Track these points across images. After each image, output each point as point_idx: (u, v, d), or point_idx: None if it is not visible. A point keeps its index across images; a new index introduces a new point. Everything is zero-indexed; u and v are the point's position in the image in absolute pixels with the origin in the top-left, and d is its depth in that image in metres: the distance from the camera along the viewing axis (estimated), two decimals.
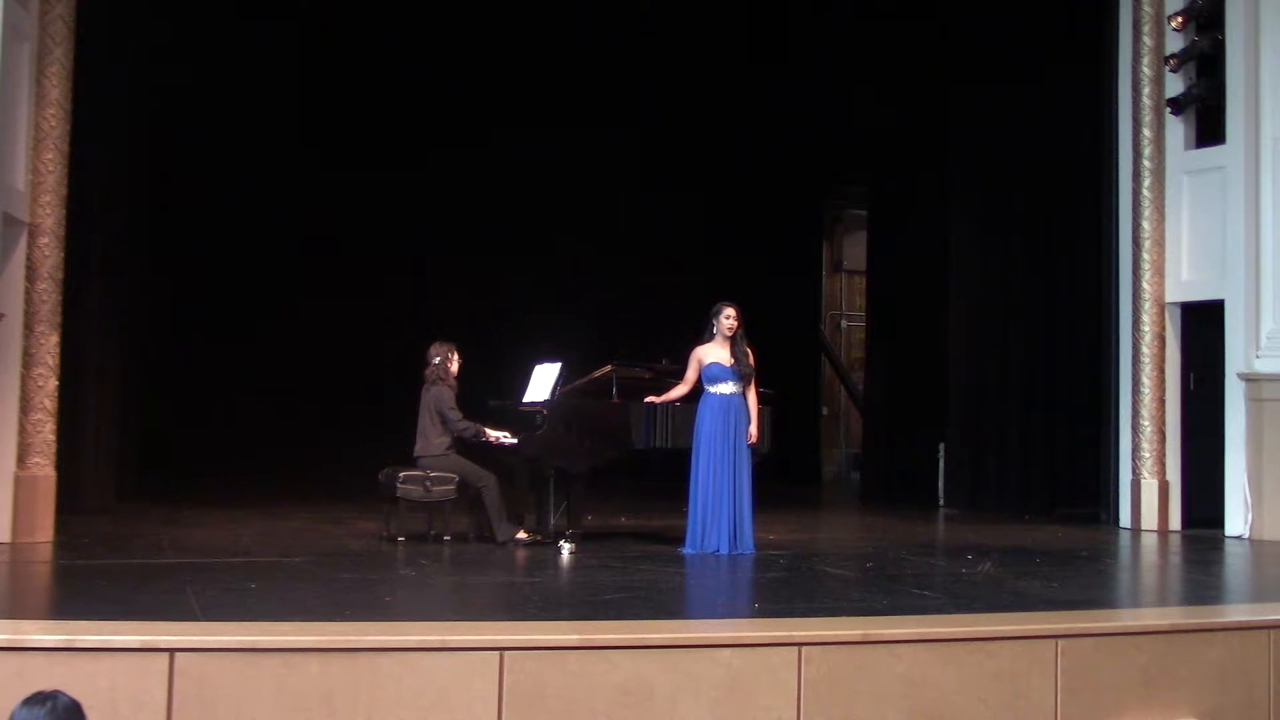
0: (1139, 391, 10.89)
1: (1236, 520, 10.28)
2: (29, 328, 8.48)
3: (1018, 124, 12.58)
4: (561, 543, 8.52)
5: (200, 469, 13.02)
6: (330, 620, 5.63)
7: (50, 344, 8.56)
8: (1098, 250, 11.69)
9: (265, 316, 14.17)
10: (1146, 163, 10.94)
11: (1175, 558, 9.52)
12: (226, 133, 13.84)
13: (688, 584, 7.66)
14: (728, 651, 5.26)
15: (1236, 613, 6.85)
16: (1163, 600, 7.93)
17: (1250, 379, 10.26)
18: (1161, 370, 10.88)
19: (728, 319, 8.69)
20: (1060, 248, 12.59)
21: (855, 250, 17.75)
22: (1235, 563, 9.16)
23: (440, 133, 14.63)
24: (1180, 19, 10.79)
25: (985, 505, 12.55)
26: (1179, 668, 5.77)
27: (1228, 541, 10.08)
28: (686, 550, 8.56)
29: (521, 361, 9.69)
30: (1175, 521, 10.78)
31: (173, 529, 9.22)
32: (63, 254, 8.70)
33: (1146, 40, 10.96)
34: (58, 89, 8.61)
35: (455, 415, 8.90)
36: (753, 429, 8.69)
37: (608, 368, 8.89)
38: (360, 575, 7.26)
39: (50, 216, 8.59)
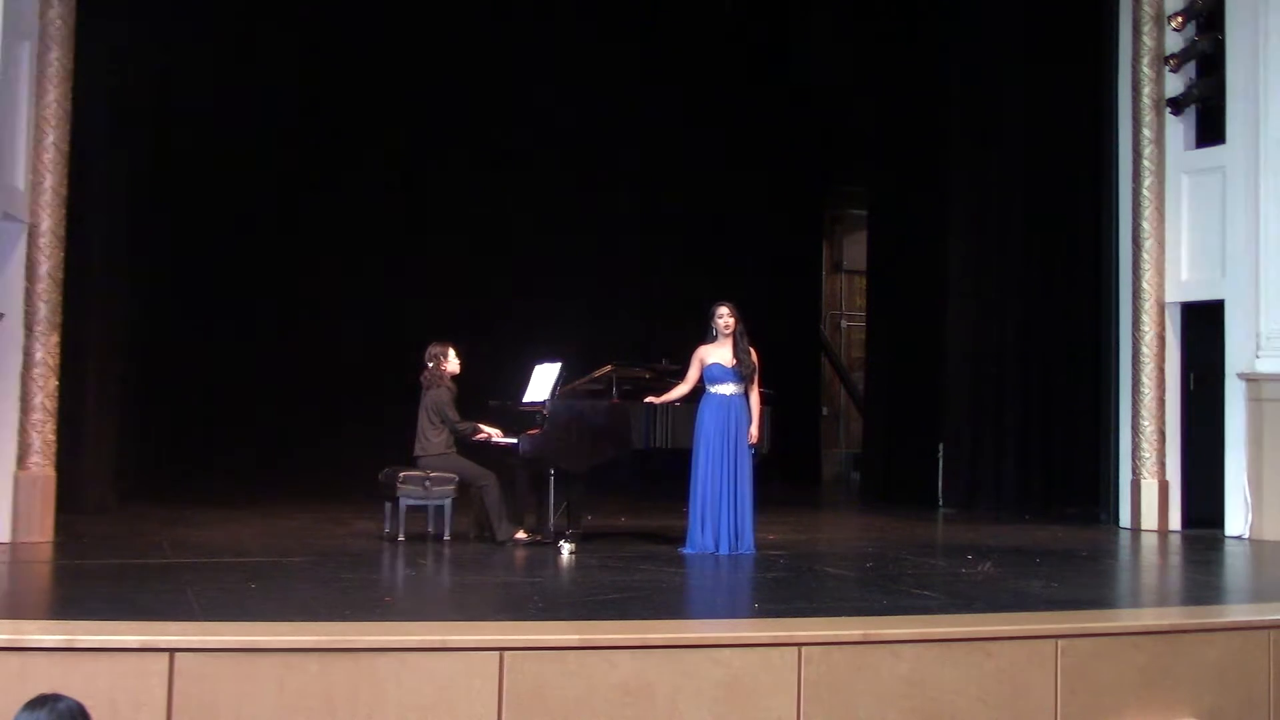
0: (1139, 391, 10.89)
1: (1236, 520, 10.28)
2: (29, 328, 8.48)
3: (1018, 124, 12.58)
4: (561, 543, 8.52)
5: (200, 469, 13.02)
6: (330, 620, 5.63)
7: (50, 344, 8.56)
8: (1098, 250, 11.70)
9: (265, 316, 14.16)
10: (1146, 163, 10.94)
11: (1175, 558, 9.52)
12: (227, 132, 13.81)
13: (688, 584, 7.66)
14: (728, 651, 5.26)
15: (1236, 613, 6.85)
16: (1163, 600, 7.93)
17: (1250, 379, 10.26)
18: (1161, 370, 10.88)
19: (720, 318, 8.70)
20: (1060, 248, 12.60)
21: (855, 250, 17.74)
22: (1235, 563, 9.16)
23: (440, 133, 14.62)
24: (1180, 19, 10.79)
25: (985, 505, 12.55)
26: (1179, 668, 5.76)
27: (1228, 541, 10.08)
28: (686, 550, 8.56)
29: (521, 361, 9.69)
30: (1175, 521, 10.78)
31: (173, 529, 9.22)
32: (63, 254, 8.70)
33: (1146, 40, 10.96)
34: (58, 89, 8.61)
35: (453, 415, 8.91)
36: (754, 429, 8.69)
37: (608, 368, 8.90)
38: (360, 575, 7.26)
39: (50, 216, 8.59)
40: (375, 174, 14.48)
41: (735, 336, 8.69)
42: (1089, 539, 10.16)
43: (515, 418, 9.08)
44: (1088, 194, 11.91)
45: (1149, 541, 10.23)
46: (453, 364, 9.08)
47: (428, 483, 8.83)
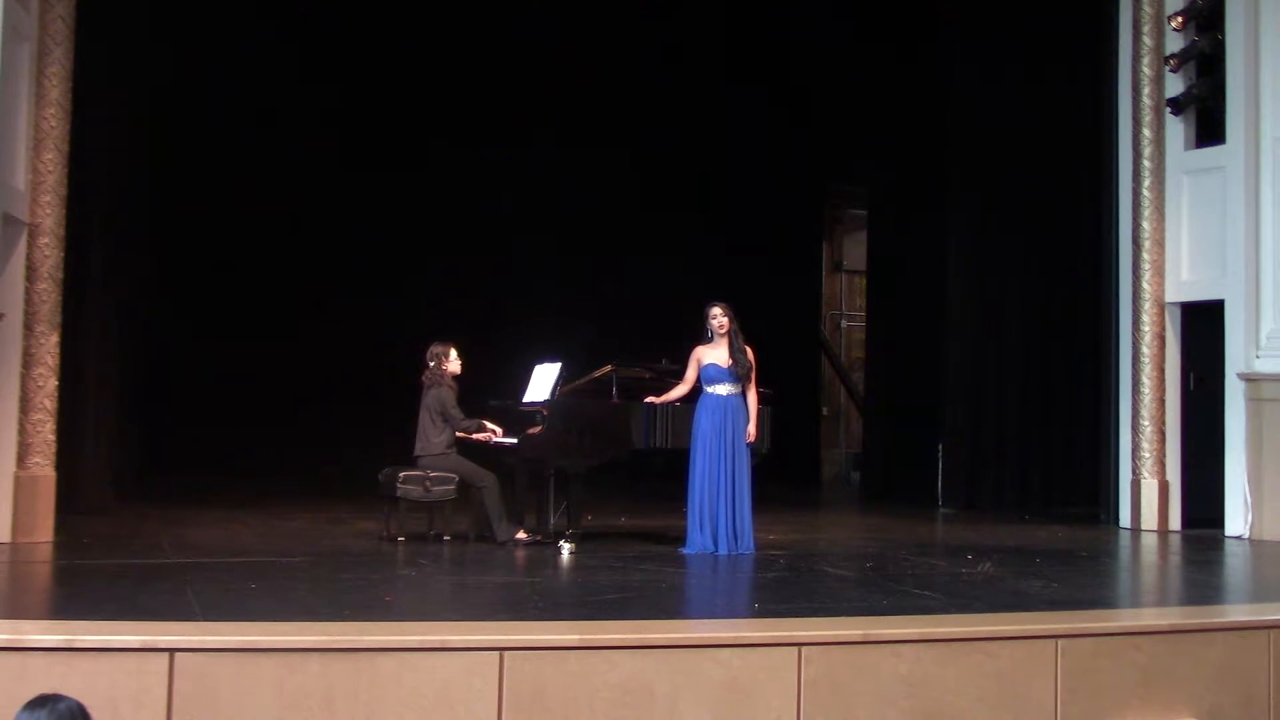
0: (1139, 391, 10.89)
1: (1236, 520, 10.28)
2: (29, 328, 8.48)
3: (1018, 124, 12.58)
4: (561, 543, 8.52)
5: (200, 469, 13.01)
6: (330, 620, 5.63)
7: (50, 344, 8.56)
8: (1098, 250, 11.70)
9: (265, 316, 14.16)
10: (1146, 163, 10.94)
11: (1175, 558, 9.52)
12: (227, 133, 13.83)
13: (688, 584, 7.66)
14: (728, 651, 5.26)
15: (1236, 613, 6.85)
16: (1163, 600, 7.93)
17: (1250, 379, 10.27)
18: (1161, 370, 10.88)
19: (714, 319, 8.71)
20: (1060, 248, 12.60)
21: (855, 250, 17.76)
22: (1235, 563, 9.16)
23: (441, 134, 14.63)
24: (1180, 19, 10.79)
25: (984, 505, 12.55)
26: (1179, 668, 5.77)
27: (1228, 541, 10.08)
28: (686, 550, 8.56)
29: (521, 361, 9.69)
30: (1175, 521, 10.79)
31: (173, 529, 9.21)
32: (63, 254, 8.70)
33: (1146, 40, 10.96)
34: (58, 89, 8.61)
35: (457, 414, 8.92)
36: (751, 428, 8.69)
37: (608, 368, 8.89)
38: (360, 575, 7.25)
39: (50, 216, 8.59)
40: (376, 175, 14.48)
41: (730, 336, 8.69)
42: (1089, 539, 10.16)
43: (515, 418, 9.08)
44: (1088, 194, 11.91)
45: (1149, 541, 10.23)
46: (454, 364, 9.09)
47: (428, 483, 8.83)
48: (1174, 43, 10.88)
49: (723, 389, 8.67)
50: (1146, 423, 10.84)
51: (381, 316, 14.12)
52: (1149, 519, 10.74)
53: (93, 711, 3.30)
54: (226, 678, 4.85)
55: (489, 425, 9.04)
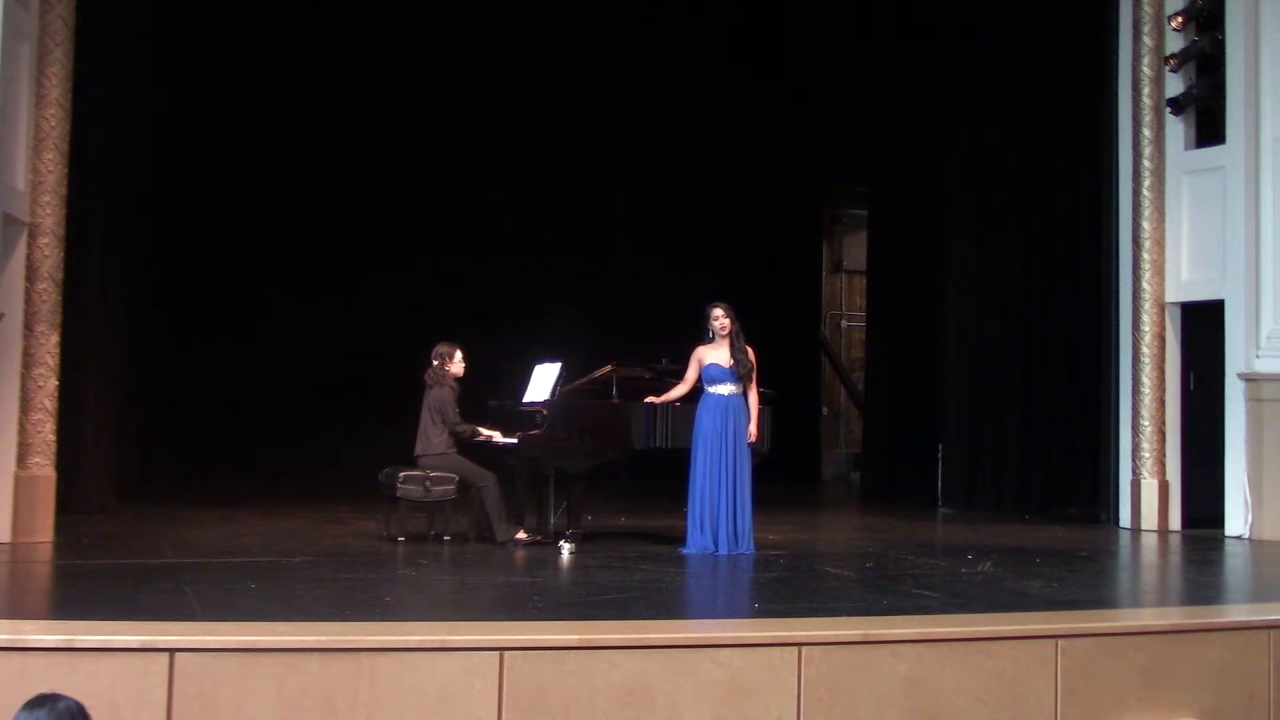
0: (1139, 391, 10.89)
1: (1236, 520, 10.28)
2: (29, 328, 8.48)
3: (1018, 124, 12.58)
4: (561, 543, 8.52)
5: (200, 469, 13.01)
6: (330, 620, 5.63)
7: (50, 344, 8.56)
8: (1098, 250, 11.70)
9: (265, 316, 14.16)
10: (1146, 163, 10.94)
11: (1175, 558, 9.52)
12: (227, 132, 13.83)
13: (688, 584, 7.66)
14: (728, 651, 5.26)
15: (1236, 613, 6.85)
16: (1163, 600, 7.93)
17: (1250, 379, 10.26)
18: (1161, 370, 10.88)
19: (715, 319, 8.72)
20: (1060, 247, 12.60)
21: (855, 250, 17.76)
22: (1235, 563, 9.16)
23: (441, 133, 14.64)
24: (1180, 19, 10.79)
25: (984, 505, 12.55)
26: (1179, 668, 5.77)
27: (1228, 541, 10.08)
28: (686, 550, 8.56)
29: (521, 361, 9.69)
30: (1175, 521, 10.79)
31: (173, 529, 9.22)
32: (63, 254, 8.69)
33: (1146, 40, 10.96)
34: (58, 89, 8.61)
35: (454, 417, 8.92)
36: (752, 428, 8.69)
37: (608, 368, 8.89)
38: (360, 575, 7.26)
39: (50, 216, 8.59)
40: (376, 174, 14.47)
41: (732, 336, 8.70)
42: (1089, 539, 10.16)
43: (515, 418, 9.08)
44: (1088, 194, 11.90)
45: (1149, 541, 10.23)
46: (457, 365, 9.08)
47: (428, 483, 8.83)
48: (1174, 43, 10.88)
49: (724, 389, 8.67)
50: (1146, 423, 10.84)
51: (381, 316, 14.12)
52: (1149, 519, 10.74)
53: (93, 711, 3.30)
54: (226, 678, 4.85)
55: (484, 431, 9.04)
